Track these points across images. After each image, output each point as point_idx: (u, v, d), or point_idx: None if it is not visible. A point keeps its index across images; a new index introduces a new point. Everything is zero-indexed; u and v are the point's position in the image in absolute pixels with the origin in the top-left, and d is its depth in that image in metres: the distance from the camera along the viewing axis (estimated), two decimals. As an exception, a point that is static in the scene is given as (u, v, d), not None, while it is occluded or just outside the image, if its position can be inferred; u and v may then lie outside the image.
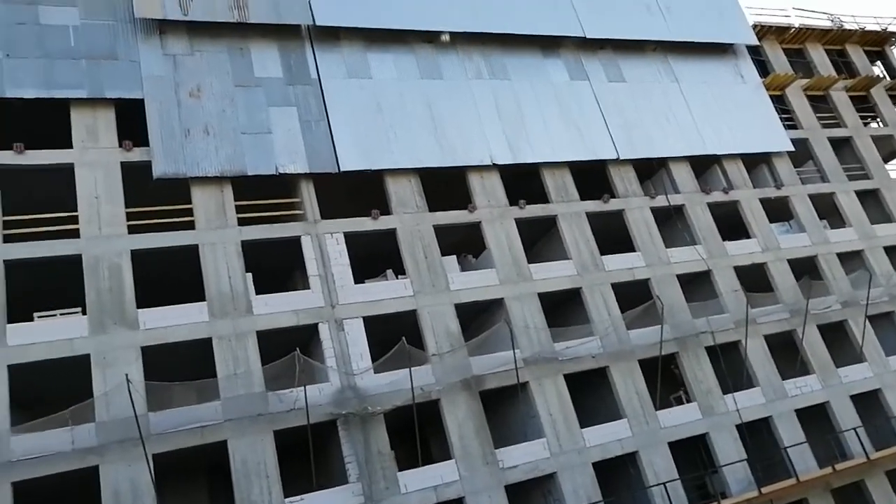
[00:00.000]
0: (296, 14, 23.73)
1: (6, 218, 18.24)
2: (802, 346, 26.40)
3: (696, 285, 26.33)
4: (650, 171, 28.23)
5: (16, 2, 20.41)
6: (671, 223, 27.29)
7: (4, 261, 17.69)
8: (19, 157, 18.92)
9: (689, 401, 24.13)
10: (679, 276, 25.59)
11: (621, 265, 24.86)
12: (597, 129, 26.86)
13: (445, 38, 25.85)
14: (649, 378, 23.20)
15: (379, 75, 24.47)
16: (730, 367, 24.91)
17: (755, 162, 30.34)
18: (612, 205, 26.00)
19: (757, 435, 24.24)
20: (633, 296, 24.35)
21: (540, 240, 26.01)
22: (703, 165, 29.05)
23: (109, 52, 21.11)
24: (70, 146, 19.76)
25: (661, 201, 26.91)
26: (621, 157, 26.72)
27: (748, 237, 28.15)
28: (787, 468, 23.41)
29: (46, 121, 20.13)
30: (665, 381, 23.78)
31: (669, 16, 30.69)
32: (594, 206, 25.64)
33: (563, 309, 24.51)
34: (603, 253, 24.71)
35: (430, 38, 25.80)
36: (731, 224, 28.31)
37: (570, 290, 23.81)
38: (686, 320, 24.77)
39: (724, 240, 27.21)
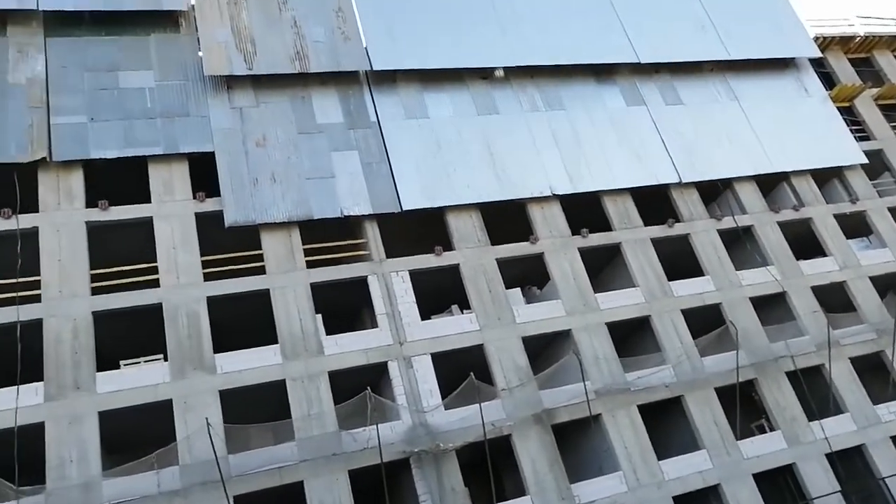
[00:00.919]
0: (354, 60, 24.57)
1: (93, 271, 19.30)
2: (894, 367, 25.03)
3: (772, 308, 25.42)
4: (714, 192, 27.65)
5: (99, 69, 21.92)
6: (740, 245, 26.55)
7: (93, 312, 18.70)
8: (104, 214, 20.11)
9: (772, 429, 23.15)
10: (752, 299, 24.78)
11: (690, 290, 24.28)
12: (656, 153, 26.58)
13: (500, 73, 26.22)
14: (728, 406, 22.42)
15: (436, 114, 24.97)
16: (814, 392, 23.79)
17: (826, 177, 29.31)
18: (677, 229, 25.54)
19: (850, 464, 22.97)
20: (705, 321, 23.74)
21: (605, 268, 25.73)
22: (770, 184, 28.26)
23: (182, 110, 22.32)
24: (148, 200, 20.85)
25: (728, 223, 26.27)
26: (683, 181, 26.30)
27: (824, 255, 27.09)
28: (887, 500, 22.07)
29: (125, 177, 21.34)
30: (745, 409, 22.91)
31: (725, 34, 30.28)
32: (658, 231, 25.25)
33: (632, 338, 24.07)
34: (670, 279, 24.22)
35: (484, 74, 26.23)
36: (804, 243, 27.32)
37: (638, 318, 23.38)
38: (763, 345, 23.90)
39: (798, 259, 26.26)
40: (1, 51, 21.41)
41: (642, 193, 25.90)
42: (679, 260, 25.11)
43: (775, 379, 23.54)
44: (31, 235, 19.24)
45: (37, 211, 19.66)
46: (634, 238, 24.80)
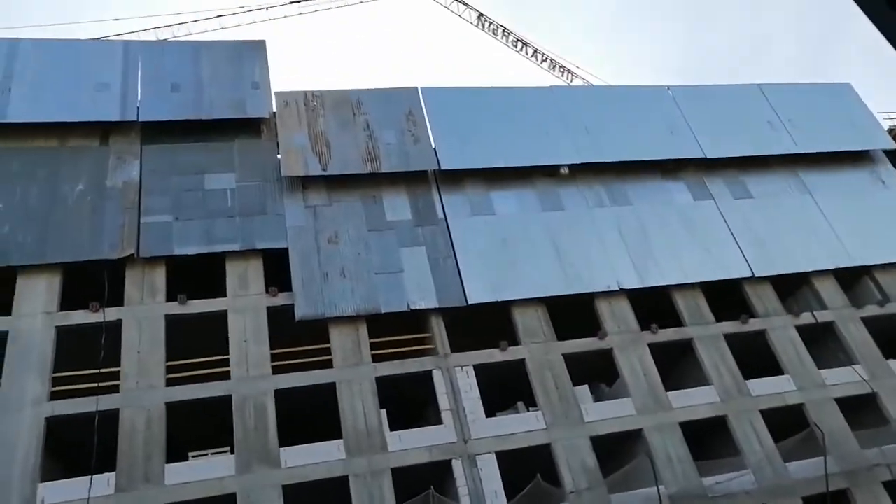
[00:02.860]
0: (423, 161, 25.59)
1: (169, 363, 20.04)
2: None
3: (861, 411, 23.75)
4: (791, 287, 26.68)
5: (187, 172, 23.62)
6: (822, 342, 25.27)
7: (166, 403, 19.29)
8: (183, 308, 21.07)
9: (869, 546, 21.19)
10: (838, 401, 23.29)
11: (770, 390, 23.09)
12: (727, 247, 26.10)
13: (565, 170, 26.72)
14: (817, 518, 20.75)
15: (502, 211, 25.47)
16: (916, 505, 21.80)
17: (913, 271, 27.89)
18: (752, 325, 24.62)
19: (962, 589, 20.65)
20: (787, 423, 22.38)
21: (676, 365, 24.85)
22: (851, 278, 27.07)
23: (259, 208, 23.58)
24: (223, 293, 21.77)
25: (806, 319, 25.16)
26: (756, 275, 25.58)
27: (917, 354, 25.43)
28: None
29: (204, 271, 22.43)
30: (837, 521, 21.13)
31: (794, 129, 30.11)
32: (732, 327, 24.41)
33: (708, 439, 22.84)
34: (746, 377, 23.16)
35: (549, 172, 26.76)
36: (893, 341, 25.76)
37: (713, 418, 22.29)
38: (853, 451, 22.24)
39: (887, 358, 24.70)
40: (103, 159, 23.44)
41: (713, 288, 25.28)
42: (755, 357, 24.03)
43: (870, 489, 21.69)
44: (115, 328, 20.30)
45: (122, 304, 20.80)
46: (707, 334, 24.03)
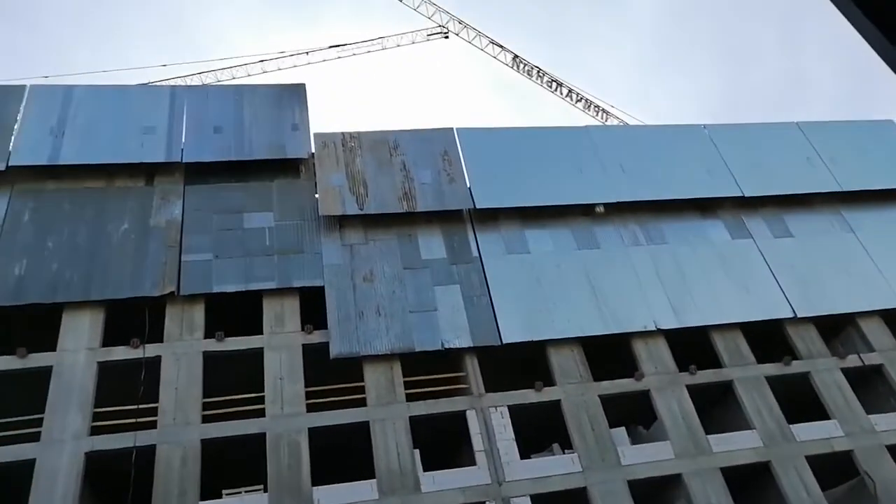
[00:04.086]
0: (458, 200, 25.80)
1: (205, 400, 20.27)
2: None
3: (914, 458, 22.79)
4: (836, 328, 25.93)
5: (227, 212, 24.19)
6: (870, 386, 24.41)
7: (202, 439, 19.44)
8: (220, 344, 21.37)
9: None
10: (890, 448, 22.37)
11: (815, 435, 22.30)
12: (767, 287, 25.56)
13: (600, 209, 26.64)
14: (869, 572, 19.78)
15: (536, 249, 25.44)
16: (976, 560, 20.66)
17: (965, 312, 26.89)
18: (795, 367, 23.93)
19: None
20: (835, 470, 21.56)
21: (716, 408, 24.22)
22: (899, 319, 26.25)
23: (297, 247, 23.97)
24: (260, 330, 22.05)
25: (853, 361, 24.37)
26: (799, 315, 24.94)
27: (972, 399, 24.33)
28: None
29: (241, 308, 22.77)
30: (891, 576, 20.11)
31: (834, 166, 29.62)
32: (774, 368, 23.76)
33: (750, 486, 22.09)
34: (791, 421, 22.42)
35: (584, 210, 26.71)
36: (946, 384, 24.73)
37: (756, 463, 21.58)
38: (907, 500, 21.27)
39: (940, 403, 23.73)
40: (147, 199, 24.18)
41: (754, 329, 24.70)
42: (799, 401, 23.32)
43: (926, 542, 20.67)
44: (154, 364, 20.66)
45: (162, 341, 21.19)
46: (747, 376, 23.42)
